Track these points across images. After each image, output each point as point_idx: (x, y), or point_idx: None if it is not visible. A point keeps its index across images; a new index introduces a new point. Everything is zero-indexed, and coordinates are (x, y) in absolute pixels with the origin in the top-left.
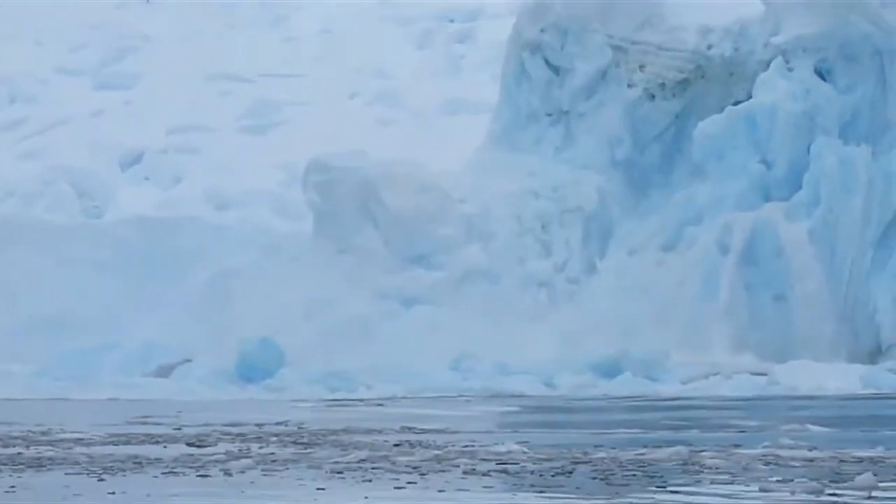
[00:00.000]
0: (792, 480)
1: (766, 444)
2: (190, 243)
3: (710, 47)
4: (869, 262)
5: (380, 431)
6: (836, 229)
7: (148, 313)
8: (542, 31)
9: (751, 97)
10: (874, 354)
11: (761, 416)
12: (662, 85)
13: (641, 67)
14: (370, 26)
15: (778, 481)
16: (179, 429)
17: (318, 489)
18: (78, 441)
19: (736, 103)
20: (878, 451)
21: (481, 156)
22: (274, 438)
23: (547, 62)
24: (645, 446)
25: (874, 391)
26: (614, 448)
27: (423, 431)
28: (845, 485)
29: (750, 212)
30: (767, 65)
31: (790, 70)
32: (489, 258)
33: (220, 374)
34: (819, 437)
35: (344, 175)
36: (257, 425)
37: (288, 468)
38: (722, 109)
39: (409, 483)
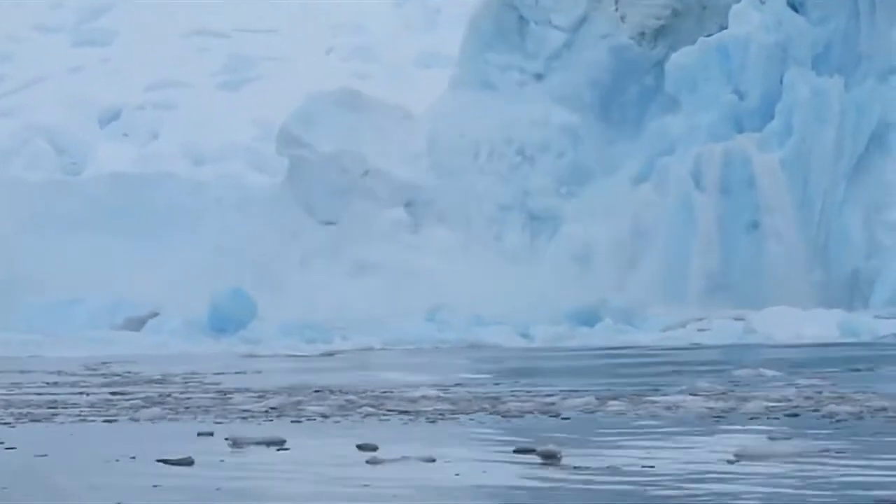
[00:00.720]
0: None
1: (682, 389)
2: (166, 199)
3: None
4: (841, 193)
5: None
6: (809, 159)
7: (120, 268)
8: None
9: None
10: (848, 287)
11: (727, 360)
12: (642, 34)
13: (622, 18)
14: None
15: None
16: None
17: (199, 434)
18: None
19: (708, 36)
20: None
21: (449, 97)
22: (195, 386)
23: (521, 18)
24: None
25: (852, 338)
26: (528, 393)
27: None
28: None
29: (722, 142)
30: None
31: (762, 2)
32: (460, 200)
33: (193, 326)
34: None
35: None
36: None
37: (195, 416)
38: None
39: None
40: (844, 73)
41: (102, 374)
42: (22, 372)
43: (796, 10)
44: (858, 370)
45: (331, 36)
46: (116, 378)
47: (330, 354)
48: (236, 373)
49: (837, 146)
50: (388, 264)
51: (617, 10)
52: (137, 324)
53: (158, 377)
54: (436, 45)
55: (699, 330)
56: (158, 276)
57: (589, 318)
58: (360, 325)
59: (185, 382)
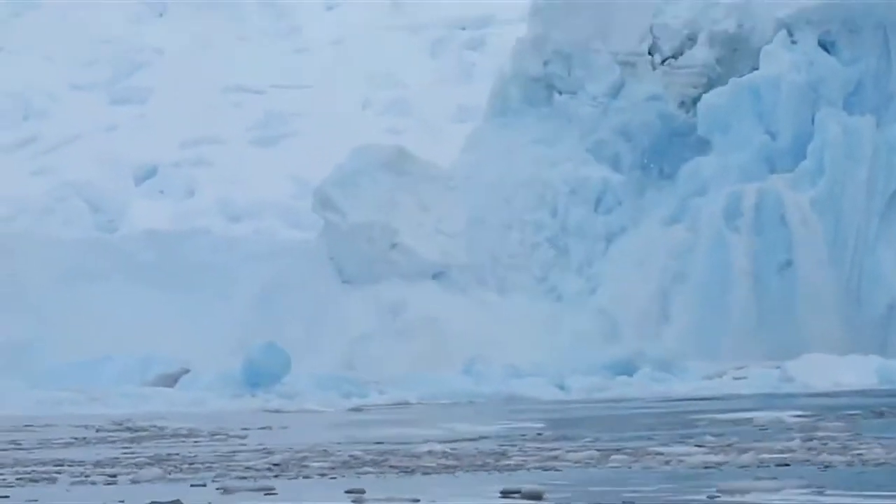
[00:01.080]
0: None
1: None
2: (200, 255)
3: (714, 24)
4: (874, 232)
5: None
6: (841, 198)
7: (152, 325)
8: (545, 63)
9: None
10: (882, 326)
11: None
12: (681, 102)
13: (664, 87)
14: (382, 35)
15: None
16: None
17: (192, 485)
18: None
19: (740, 77)
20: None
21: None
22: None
23: (551, 87)
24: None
25: (889, 385)
26: (529, 446)
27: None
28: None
29: (755, 182)
30: (772, 39)
31: (794, 43)
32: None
33: (227, 381)
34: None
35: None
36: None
37: (197, 473)
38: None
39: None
40: (876, 112)
41: (128, 429)
42: (47, 426)
43: (827, 51)
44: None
45: (366, 90)
46: (142, 434)
47: (357, 409)
48: (261, 428)
49: (869, 185)
50: (423, 318)
51: (655, 76)
52: (169, 380)
53: (185, 432)
54: (472, 98)
55: (736, 379)
56: (191, 332)
57: (625, 369)
58: (396, 379)
59: (211, 437)
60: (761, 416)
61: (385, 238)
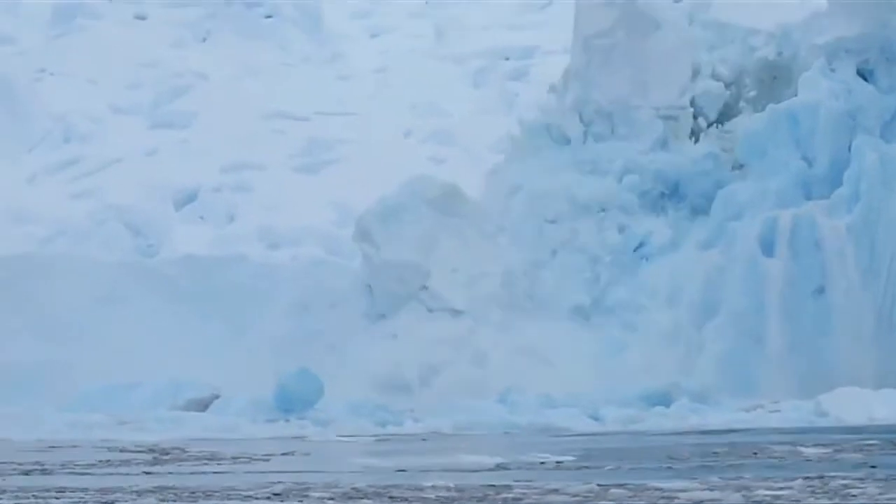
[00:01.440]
0: None
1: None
2: (238, 281)
3: (753, 51)
4: None
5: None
6: (876, 226)
7: (186, 350)
8: (586, 124)
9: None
10: None
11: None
12: (722, 150)
13: (693, 134)
14: (426, 64)
15: None
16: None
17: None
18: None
19: (778, 104)
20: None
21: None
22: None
23: (586, 133)
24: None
25: None
26: (530, 481)
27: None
28: None
29: (791, 209)
30: (811, 67)
31: (832, 70)
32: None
33: (259, 406)
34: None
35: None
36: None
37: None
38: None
39: None
40: None
41: (151, 451)
42: (73, 446)
43: (865, 79)
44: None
45: (409, 118)
46: (164, 457)
47: (384, 439)
48: (283, 454)
49: None
50: (456, 347)
51: (694, 138)
52: (200, 405)
53: (207, 456)
54: (514, 128)
55: (770, 412)
56: (224, 358)
57: (661, 400)
58: (431, 407)
59: (233, 461)
60: (782, 449)
61: (416, 279)
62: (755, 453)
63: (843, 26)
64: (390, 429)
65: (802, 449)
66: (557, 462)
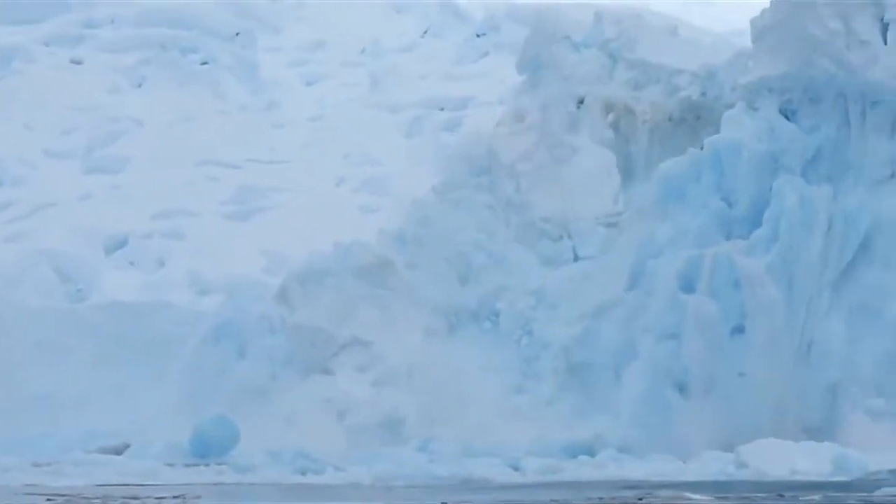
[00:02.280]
0: None
1: None
2: (163, 328)
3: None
4: (827, 303)
5: None
6: (795, 267)
7: (103, 397)
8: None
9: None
10: (829, 401)
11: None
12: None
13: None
14: (360, 113)
15: None
16: None
17: None
18: None
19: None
20: None
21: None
22: None
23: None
24: None
25: (843, 475)
26: None
27: None
28: None
29: (710, 248)
30: (734, 106)
31: (755, 109)
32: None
33: (175, 452)
34: None
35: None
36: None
37: None
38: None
39: None
40: (833, 180)
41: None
42: None
43: (788, 118)
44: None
45: (342, 167)
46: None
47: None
48: (174, 497)
49: (823, 255)
50: (376, 398)
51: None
52: (111, 454)
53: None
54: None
55: (686, 463)
56: (143, 404)
57: (582, 451)
58: (353, 456)
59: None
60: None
61: (328, 345)
62: (640, 499)
63: (767, 66)
64: (311, 477)
65: (689, 494)
66: None
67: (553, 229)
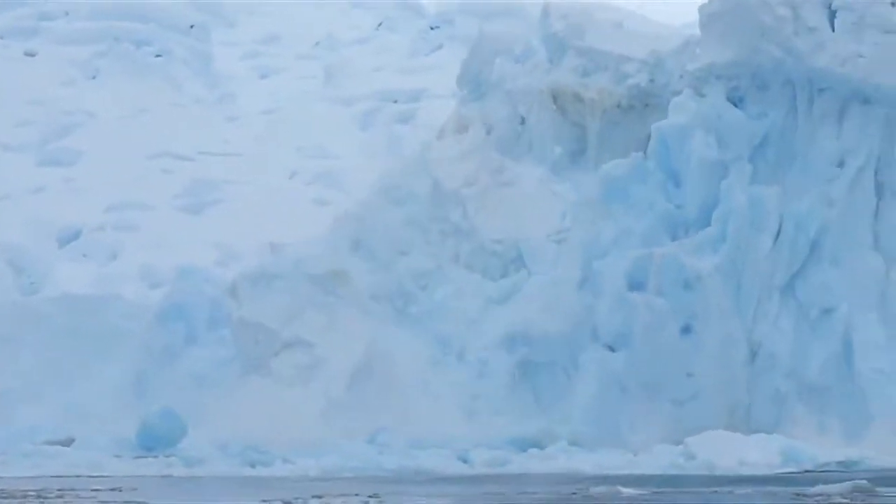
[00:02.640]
0: None
1: None
2: (113, 321)
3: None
4: (776, 305)
5: None
6: (743, 268)
7: (51, 391)
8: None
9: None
10: (776, 402)
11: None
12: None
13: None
14: (314, 106)
15: None
16: None
17: None
18: None
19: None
20: None
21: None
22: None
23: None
24: None
25: (794, 467)
26: None
27: None
28: None
29: (657, 247)
30: (682, 92)
31: (702, 96)
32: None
33: (122, 444)
34: None
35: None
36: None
37: None
38: (637, 138)
39: None
40: (781, 167)
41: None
42: None
43: (736, 105)
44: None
45: (295, 160)
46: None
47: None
48: (111, 490)
49: (773, 255)
50: (325, 390)
51: None
52: (60, 445)
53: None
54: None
55: (636, 455)
56: (91, 396)
57: (532, 444)
58: (302, 448)
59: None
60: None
61: (271, 340)
62: (574, 493)
63: (715, 53)
64: (259, 470)
65: (622, 488)
66: None
67: (505, 250)
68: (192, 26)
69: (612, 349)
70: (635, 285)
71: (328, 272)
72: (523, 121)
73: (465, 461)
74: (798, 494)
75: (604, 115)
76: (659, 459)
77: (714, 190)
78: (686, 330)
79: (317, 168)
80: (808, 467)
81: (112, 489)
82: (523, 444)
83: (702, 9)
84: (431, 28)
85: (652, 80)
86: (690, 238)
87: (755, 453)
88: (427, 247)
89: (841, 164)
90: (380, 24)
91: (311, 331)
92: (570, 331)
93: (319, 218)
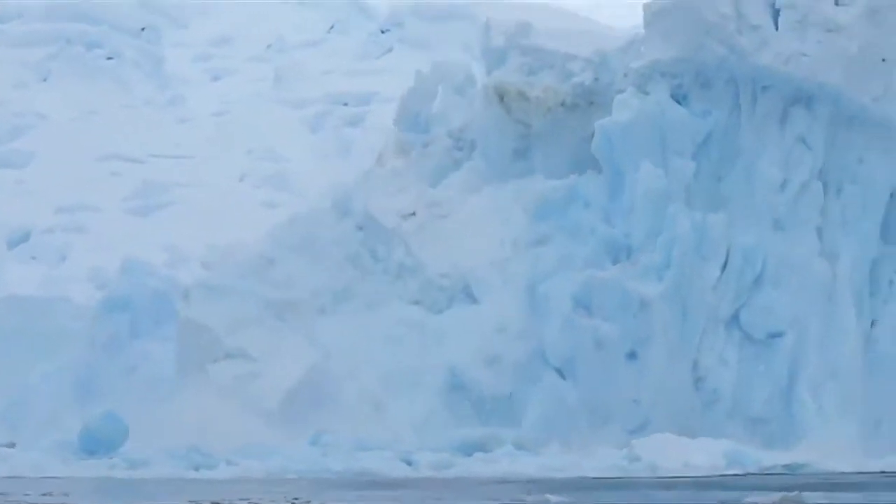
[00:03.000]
0: None
1: None
2: (62, 323)
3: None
4: (722, 333)
5: None
6: (689, 295)
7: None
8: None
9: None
10: (721, 429)
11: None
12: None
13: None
14: (264, 109)
15: None
16: None
17: None
18: None
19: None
20: None
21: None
22: None
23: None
24: None
25: (739, 470)
26: None
27: None
28: None
29: (600, 271)
30: (625, 90)
31: (646, 94)
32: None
33: (64, 447)
34: None
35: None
36: None
37: None
38: (581, 137)
39: None
40: (721, 163)
41: None
42: None
43: (679, 102)
44: None
45: (245, 162)
46: None
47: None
48: (42, 495)
49: (719, 283)
50: (271, 389)
51: None
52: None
53: None
54: (349, 173)
55: (584, 458)
56: (34, 399)
57: (476, 447)
58: (246, 450)
59: None
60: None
61: (212, 347)
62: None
63: (659, 50)
64: (203, 472)
65: (550, 497)
66: None
67: (451, 284)
68: (143, 28)
69: (561, 375)
70: (581, 309)
71: (278, 289)
72: (460, 147)
73: (409, 463)
74: (723, 503)
75: (548, 114)
76: (603, 461)
77: (659, 217)
78: (632, 356)
79: (266, 170)
80: (753, 470)
81: (43, 493)
82: (468, 449)
83: (646, 7)
84: (382, 31)
85: (597, 79)
86: (634, 263)
87: (700, 456)
88: (370, 282)
89: (785, 166)
90: (331, 27)
91: (254, 344)
92: (519, 357)
93: (268, 220)
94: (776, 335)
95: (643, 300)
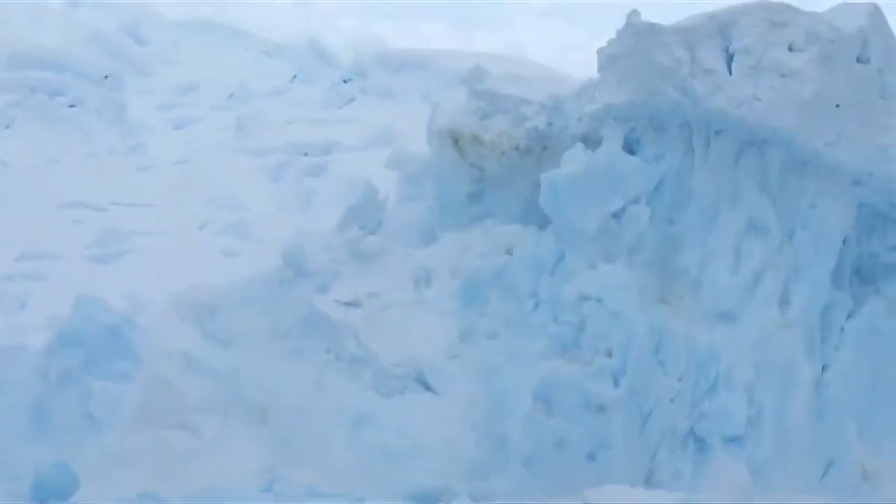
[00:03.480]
0: None
1: None
2: (18, 372)
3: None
4: (680, 437)
5: None
6: (647, 397)
7: None
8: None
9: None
10: None
11: None
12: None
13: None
14: (226, 157)
15: None
16: None
17: None
18: None
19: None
20: None
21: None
22: None
23: None
24: None
25: None
26: None
27: None
28: None
29: (559, 370)
30: (580, 137)
31: (598, 141)
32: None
33: (15, 496)
34: None
35: None
36: None
37: None
38: (535, 182)
39: None
40: (674, 209)
41: None
42: None
43: (633, 147)
44: None
45: (207, 210)
46: None
47: None
48: None
49: (678, 392)
50: (221, 436)
51: None
52: None
53: None
54: (309, 223)
55: None
56: None
57: (429, 499)
58: (199, 497)
59: None
60: None
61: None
62: None
63: (613, 94)
64: None
65: None
66: None
67: (407, 372)
68: (106, 76)
69: (529, 469)
70: (542, 406)
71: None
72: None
73: None
74: None
75: (502, 158)
76: None
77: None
78: (591, 458)
79: (228, 219)
80: None
81: None
82: (421, 498)
83: (600, 51)
84: (344, 81)
85: (550, 124)
86: (589, 364)
87: None
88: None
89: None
90: (294, 76)
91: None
92: (482, 452)
93: (227, 268)
94: (732, 439)
95: (601, 403)
